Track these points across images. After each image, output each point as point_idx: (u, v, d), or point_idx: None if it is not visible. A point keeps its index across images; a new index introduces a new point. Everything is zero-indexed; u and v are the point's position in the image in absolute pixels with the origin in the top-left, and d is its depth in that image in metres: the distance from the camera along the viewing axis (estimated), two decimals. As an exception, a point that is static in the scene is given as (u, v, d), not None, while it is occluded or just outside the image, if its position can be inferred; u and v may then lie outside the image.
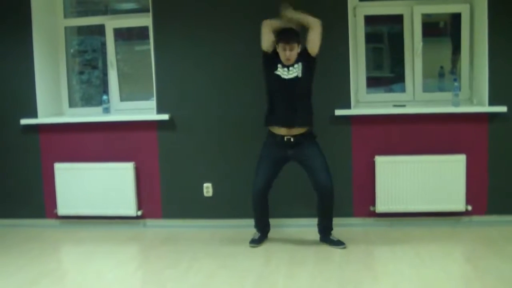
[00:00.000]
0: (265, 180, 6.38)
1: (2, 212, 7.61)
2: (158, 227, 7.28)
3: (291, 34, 6.06)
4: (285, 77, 6.12)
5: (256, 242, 6.54)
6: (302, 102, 6.21)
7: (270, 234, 6.72)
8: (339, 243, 6.39)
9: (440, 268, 5.70)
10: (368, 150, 6.90)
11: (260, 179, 6.38)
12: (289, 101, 6.16)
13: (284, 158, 6.32)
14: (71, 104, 7.84)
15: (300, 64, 6.13)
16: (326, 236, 6.50)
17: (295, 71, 6.12)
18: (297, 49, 6.08)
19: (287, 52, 6.03)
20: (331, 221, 6.48)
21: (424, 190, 6.78)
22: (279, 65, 6.15)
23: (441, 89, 7.27)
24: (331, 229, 6.50)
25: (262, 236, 6.62)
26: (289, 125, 6.19)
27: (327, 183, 6.28)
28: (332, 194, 6.32)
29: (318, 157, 6.28)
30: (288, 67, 6.12)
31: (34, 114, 7.35)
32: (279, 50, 6.09)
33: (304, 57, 6.15)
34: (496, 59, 6.60)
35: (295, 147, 6.22)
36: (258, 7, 6.83)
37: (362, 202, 6.98)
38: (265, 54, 6.25)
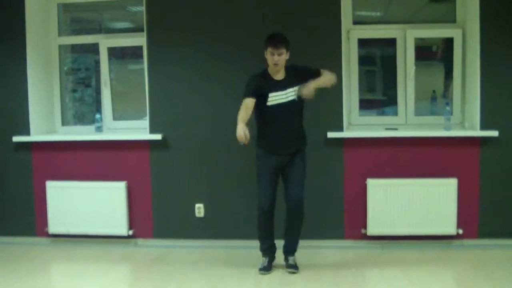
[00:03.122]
0: (270, 195, 6.20)
1: (-8, 229, 7.59)
2: (149, 247, 7.26)
3: (279, 39, 6.02)
4: (284, 100, 6.08)
5: (266, 269, 6.34)
6: (298, 124, 6.23)
7: (261, 257, 6.53)
8: (291, 266, 6.34)
9: (431, 292, 5.72)
10: (360, 172, 6.92)
11: (265, 194, 6.20)
12: (289, 124, 6.14)
13: (280, 167, 6.21)
14: (64, 122, 7.83)
15: (297, 86, 6.08)
16: (286, 256, 6.42)
17: (293, 95, 6.09)
18: (285, 55, 6.03)
19: (275, 57, 5.98)
20: (297, 241, 6.40)
21: (415, 213, 6.80)
22: (270, 94, 6.07)
23: (433, 113, 7.31)
24: (293, 251, 6.41)
25: (270, 260, 6.42)
26: (286, 151, 6.19)
27: (298, 196, 6.19)
28: (302, 209, 6.24)
29: (301, 169, 6.22)
30: (283, 89, 6.06)
31: (27, 132, 7.34)
32: (267, 55, 6.05)
33: (304, 80, 6.07)
34: (488, 84, 6.64)
35: (290, 154, 6.18)
36: (253, 27, 6.88)
37: (354, 225, 6.98)
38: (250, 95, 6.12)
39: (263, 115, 6.16)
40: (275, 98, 6.07)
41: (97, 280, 6.32)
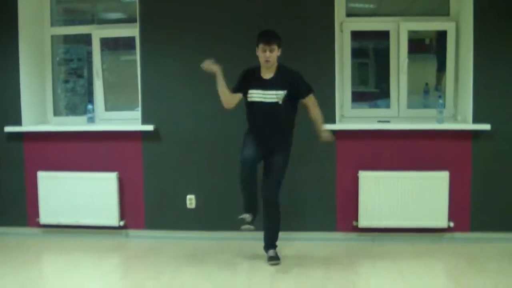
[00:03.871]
0: (253, 152, 6.10)
1: (-16, 219, 7.57)
2: (141, 237, 7.26)
3: (271, 35, 6.02)
4: (263, 100, 6.08)
5: (251, 223, 6.25)
6: (282, 128, 6.20)
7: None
8: (272, 259, 6.31)
9: (422, 285, 5.72)
10: (352, 165, 6.92)
11: (248, 150, 6.10)
12: (270, 125, 6.13)
13: (264, 151, 6.18)
14: (56, 113, 7.82)
15: (285, 92, 6.07)
16: (266, 248, 6.42)
17: (276, 97, 6.06)
18: (277, 51, 6.02)
19: (267, 53, 5.97)
20: (274, 236, 6.39)
21: (407, 206, 6.81)
22: (253, 91, 6.10)
23: (426, 106, 7.31)
24: (270, 245, 6.38)
25: (254, 216, 6.29)
26: (267, 149, 6.19)
27: (269, 193, 6.18)
28: (274, 209, 6.24)
29: (279, 168, 6.18)
30: (270, 88, 6.05)
31: (19, 122, 7.33)
32: (259, 52, 6.04)
33: (292, 89, 6.10)
34: (480, 77, 6.65)
35: (272, 145, 6.18)
36: (246, 19, 6.88)
37: (345, 217, 6.99)
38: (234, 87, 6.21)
39: (247, 111, 6.21)
40: (254, 95, 6.10)
41: (88, 271, 6.32)
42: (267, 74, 6.11)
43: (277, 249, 6.40)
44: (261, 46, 6.01)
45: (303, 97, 6.14)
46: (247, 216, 6.28)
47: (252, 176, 6.20)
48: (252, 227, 6.27)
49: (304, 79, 6.14)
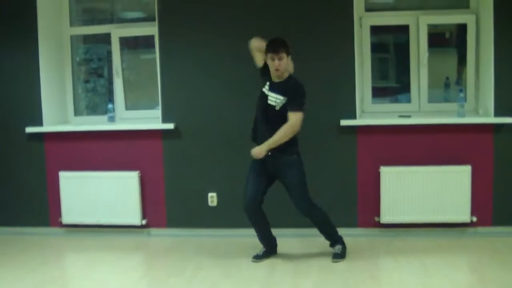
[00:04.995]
0: (252, 193, 6.22)
1: (6, 219, 7.61)
2: (163, 236, 7.27)
3: (278, 43, 5.97)
4: (267, 100, 6.06)
5: (258, 257, 6.41)
6: (274, 129, 6.03)
7: None
8: (335, 256, 6.33)
9: (445, 279, 5.68)
10: (373, 160, 6.89)
11: (247, 192, 6.26)
12: (263, 122, 6.11)
13: (267, 172, 6.22)
14: (77, 113, 7.85)
15: (284, 99, 5.99)
16: (331, 246, 6.46)
17: (275, 101, 6.01)
18: (286, 59, 5.97)
19: (276, 62, 5.94)
20: (329, 235, 6.43)
21: (429, 201, 6.78)
22: (267, 83, 6.12)
23: (447, 100, 7.27)
24: (333, 242, 6.42)
25: (266, 251, 6.48)
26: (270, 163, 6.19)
27: (300, 209, 6.23)
28: (311, 215, 6.29)
29: (292, 183, 6.17)
30: (273, 91, 6.04)
31: (40, 122, 7.36)
32: (268, 61, 6.02)
33: (286, 98, 6.01)
34: (502, 70, 6.60)
35: (272, 164, 6.14)
36: (264, 16, 6.86)
37: (367, 213, 6.96)
38: (259, 68, 6.29)
39: (257, 100, 6.23)
40: (264, 87, 6.12)
41: (110, 270, 6.34)
42: (276, 79, 6.09)
43: (337, 247, 6.41)
44: (269, 55, 5.98)
45: (287, 109, 6.01)
46: (260, 248, 6.51)
47: (255, 220, 6.37)
48: (258, 261, 6.40)
49: (299, 96, 6.01)
